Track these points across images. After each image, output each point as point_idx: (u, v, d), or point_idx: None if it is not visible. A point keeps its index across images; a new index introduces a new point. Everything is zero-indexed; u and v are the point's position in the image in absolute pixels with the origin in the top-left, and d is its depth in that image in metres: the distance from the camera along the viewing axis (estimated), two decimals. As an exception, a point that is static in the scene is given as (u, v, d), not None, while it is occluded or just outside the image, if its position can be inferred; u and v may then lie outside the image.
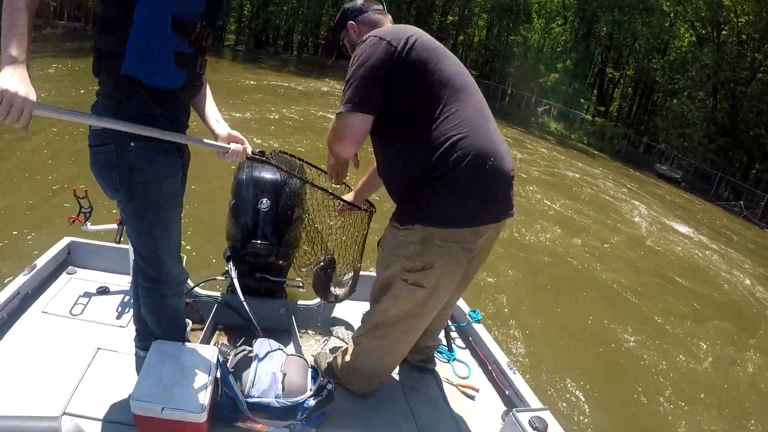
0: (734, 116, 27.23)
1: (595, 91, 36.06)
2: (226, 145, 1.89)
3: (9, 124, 1.29)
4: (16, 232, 4.95)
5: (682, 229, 13.16)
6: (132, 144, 1.68)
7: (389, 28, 1.93)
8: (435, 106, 1.83)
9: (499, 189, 1.89)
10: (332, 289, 2.56)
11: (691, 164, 26.66)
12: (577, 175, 16.18)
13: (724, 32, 28.04)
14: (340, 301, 2.62)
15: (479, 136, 1.82)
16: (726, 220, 18.16)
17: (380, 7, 2.19)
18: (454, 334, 2.95)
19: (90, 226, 2.84)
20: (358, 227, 2.44)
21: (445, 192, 1.81)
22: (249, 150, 1.98)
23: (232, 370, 2.03)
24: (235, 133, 1.97)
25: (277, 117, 13.47)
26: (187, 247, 5.02)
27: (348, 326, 2.90)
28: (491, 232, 1.97)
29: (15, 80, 1.28)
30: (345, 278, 2.60)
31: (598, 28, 33.63)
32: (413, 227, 1.88)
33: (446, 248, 1.86)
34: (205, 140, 1.88)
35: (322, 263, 2.52)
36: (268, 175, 2.71)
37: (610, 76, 35.90)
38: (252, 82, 18.86)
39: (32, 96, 1.30)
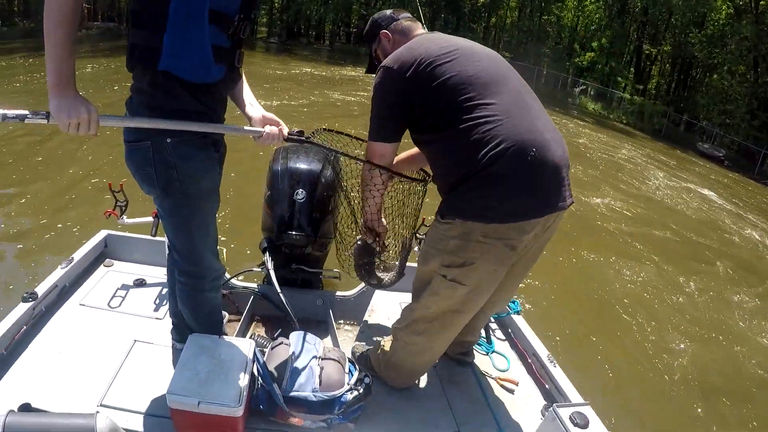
0: (777, 90, 26.22)
1: (632, 69, 35.14)
2: (260, 129, 1.83)
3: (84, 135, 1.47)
4: (60, 225, 5.07)
5: (728, 206, 12.72)
6: (168, 140, 1.65)
7: (399, 53, 1.90)
8: (464, 109, 1.75)
9: (545, 181, 1.76)
10: (379, 274, 2.42)
11: (734, 142, 25.78)
12: (620, 156, 15.84)
13: (762, 2, 26.88)
14: (385, 287, 2.49)
15: (517, 127, 1.72)
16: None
17: (409, 14, 2.15)
18: (493, 326, 2.89)
19: (126, 220, 2.87)
20: (410, 201, 2.27)
21: (485, 187, 1.73)
22: (285, 131, 1.89)
23: (269, 363, 2.01)
24: (270, 115, 1.91)
25: (307, 102, 13.64)
26: (223, 239, 5.04)
27: (387, 318, 2.86)
28: (538, 229, 1.83)
29: (71, 104, 1.41)
30: (392, 262, 2.47)
31: (632, 4, 32.67)
32: (453, 221, 1.81)
33: (488, 245, 1.78)
34: (238, 127, 1.82)
35: (361, 242, 2.35)
36: (303, 165, 2.70)
37: (647, 52, 34.93)
38: (283, 72, 19.04)
39: (91, 111, 1.43)
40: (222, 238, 4.94)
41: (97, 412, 1.26)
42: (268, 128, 1.84)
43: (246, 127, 1.84)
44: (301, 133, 1.94)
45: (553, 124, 1.90)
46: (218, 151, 1.89)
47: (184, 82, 1.61)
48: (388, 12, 2.15)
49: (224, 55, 1.66)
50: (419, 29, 2.10)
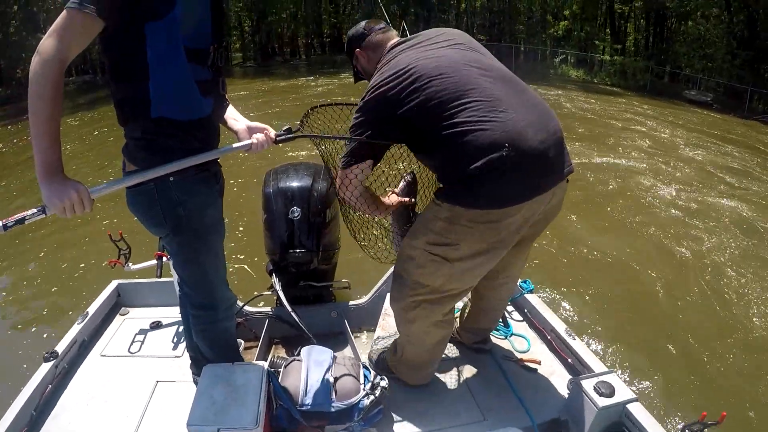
0: (752, 27, 26.00)
1: (607, 30, 35.00)
2: (247, 142, 1.84)
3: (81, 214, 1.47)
4: (71, 283, 5.04)
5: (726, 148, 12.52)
6: (171, 179, 1.67)
7: (373, 85, 1.88)
8: (437, 129, 1.77)
9: (524, 170, 1.75)
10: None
11: (720, 84, 25.59)
12: (609, 115, 15.72)
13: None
14: None
15: (487, 131, 1.72)
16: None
17: (382, 25, 2.13)
18: (509, 308, 2.87)
19: (132, 266, 2.90)
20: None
21: (468, 185, 1.76)
22: (272, 134, 1.90)
23: (284, 382, 2.03)
24: (254, 123, 1.92)
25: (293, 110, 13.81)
26: (233, 266, 5.06)
27: None
28: (525, 211, 1.81)
29: (59, 189, 1.41)
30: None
31: (598, -35, 32.50)
32: (442, 205, 1.84)
33: (473, 229, 1.80)
34: (226, 147, 1.82)
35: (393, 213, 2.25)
36: (294, 183, 2.73)
37: (619, 11, 34.70)
38: (266, 88, 19.17)
39: (80, 190, 1.43)
40: (233, 265, 4.93)
41: None
42: (254, 138, 1.85)
43: (234, 145, 1.84)
44: (288, 130, 1.93)
45: (535, 100, 1.88)
46: (218, 183, 1.91)
47: (179, 123, 1.64)
48: (361, 27, 2.12)
49: (209, 88, 1.69)
50: (392, 39, 2.07)
